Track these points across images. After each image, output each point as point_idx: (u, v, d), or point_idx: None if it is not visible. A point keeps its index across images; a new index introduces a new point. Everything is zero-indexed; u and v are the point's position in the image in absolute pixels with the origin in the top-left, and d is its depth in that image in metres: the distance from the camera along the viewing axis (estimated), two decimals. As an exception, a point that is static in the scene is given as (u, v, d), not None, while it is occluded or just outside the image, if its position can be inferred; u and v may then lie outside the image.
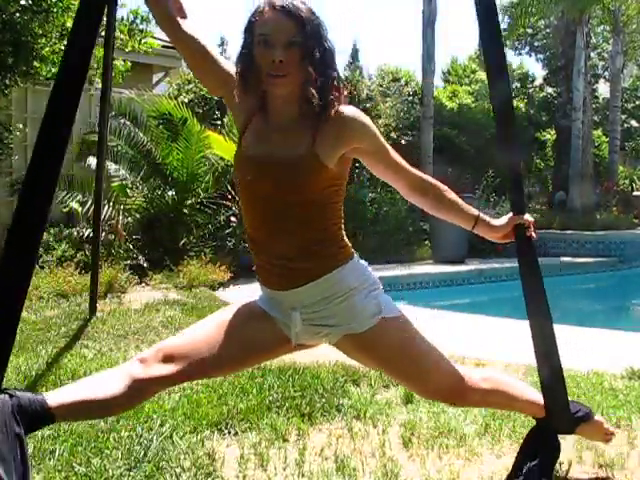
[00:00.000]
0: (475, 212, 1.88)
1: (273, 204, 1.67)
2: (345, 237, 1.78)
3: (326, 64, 1.64)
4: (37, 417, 1.57)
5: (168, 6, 1.79)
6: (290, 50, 1.58)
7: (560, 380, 2.02)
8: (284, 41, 1.58)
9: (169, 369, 1.68)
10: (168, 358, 1.69)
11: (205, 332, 1.76)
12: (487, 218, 1.90)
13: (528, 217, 1.94)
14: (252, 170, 1.68)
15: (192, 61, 1.87)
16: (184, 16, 1.82)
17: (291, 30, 1.58)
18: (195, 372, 1.76)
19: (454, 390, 1.90)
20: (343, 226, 1.79)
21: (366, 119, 1.69)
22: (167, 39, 1.92)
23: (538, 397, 2.04)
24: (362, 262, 1.82)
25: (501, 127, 2.03)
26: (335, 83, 1.65)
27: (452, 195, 1.85)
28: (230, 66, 1.79)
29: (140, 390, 1.67)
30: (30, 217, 1.68)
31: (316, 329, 1.77)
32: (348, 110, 1.67)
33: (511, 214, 1.96)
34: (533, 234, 1.95)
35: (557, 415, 2.02)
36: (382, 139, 1.74)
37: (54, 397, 1.63)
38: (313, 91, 1.60)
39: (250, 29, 1.64)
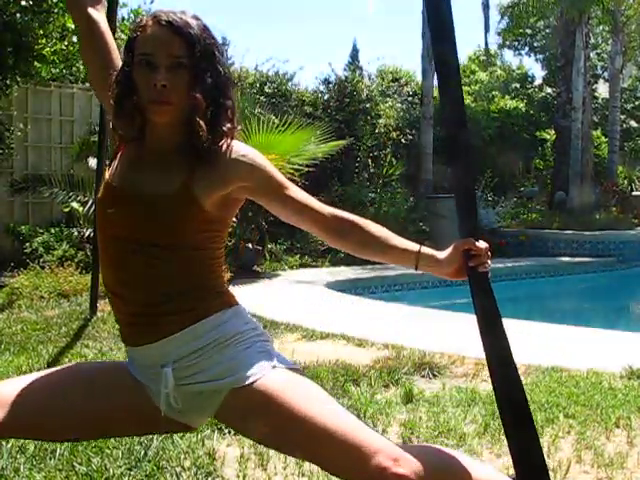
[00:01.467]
0: (414, 247, 1.48)
1: (134, 245, 1.40)
2: (225, 286, 1.52)
3: (219, 91, 1.40)
4: None
5: None
6: (176, 73, 1.34)
7: (536, 442, 1.49)
8: (169, 62, 1.34)
9: None
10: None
11: (57, 388, 1.45)
12: (432, 252, 1.49)
13: (480, 243, 1.48)
14: (115, 203, 1.43)
15: (91, 53, 1.63)
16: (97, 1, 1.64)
17: (178, 49, 1.34)
18: (25, 432, 1.46)
19: (376, 467, 1.32)
20: (223, 274, 1.55)
21: (255, 155, 1.44)
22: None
23: (495, 475, 1.51)
24: (249, 316, 1.53)
25: (453, 139, 1.75)
26: (229, 114, 1.42)
27: (378, 230, 1.48)
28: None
29: None
30: None
31: (193, 388, 1.42)
32: (236, 145, 1.43)
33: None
34: (487, 264, 1.48)
35: None
36: (279, 177, 1.46)
37: None
38: (201, 123, 1.37)
39: (131, 46, 1.39)
